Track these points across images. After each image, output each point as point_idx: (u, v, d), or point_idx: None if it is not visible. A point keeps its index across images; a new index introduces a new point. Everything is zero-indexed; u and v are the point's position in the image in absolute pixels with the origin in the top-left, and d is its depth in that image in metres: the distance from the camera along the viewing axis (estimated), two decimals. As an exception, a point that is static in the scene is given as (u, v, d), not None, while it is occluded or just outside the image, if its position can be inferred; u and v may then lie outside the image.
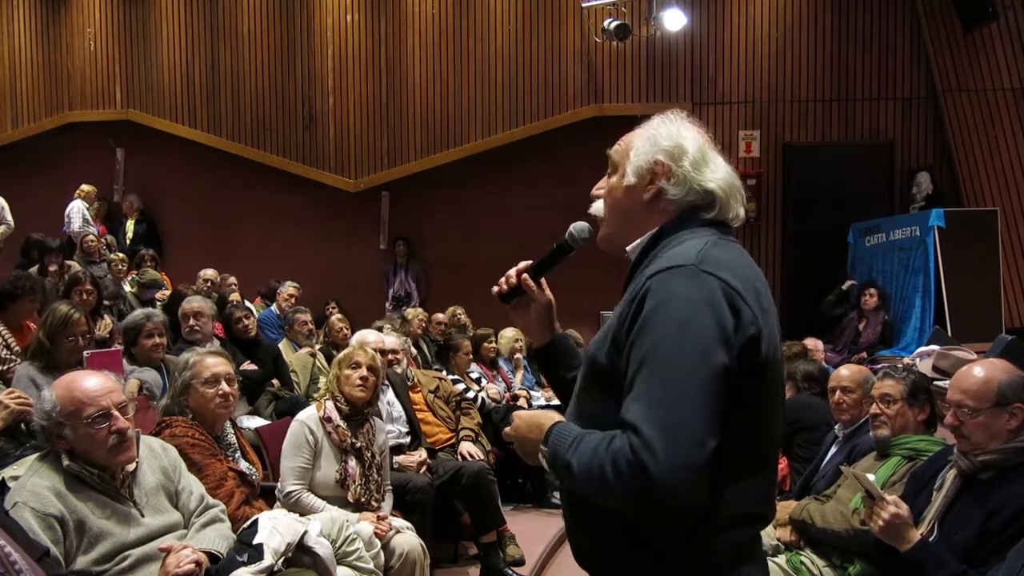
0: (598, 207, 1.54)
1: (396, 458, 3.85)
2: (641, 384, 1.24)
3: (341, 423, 3.26)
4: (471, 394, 5.07)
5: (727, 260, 1.33)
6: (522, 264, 1.66)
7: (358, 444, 3.25)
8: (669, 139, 1.43)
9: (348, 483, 3.19)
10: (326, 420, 3.25)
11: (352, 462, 3.23)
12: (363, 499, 3.20)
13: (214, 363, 2.90)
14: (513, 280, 1.65)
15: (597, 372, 1.39)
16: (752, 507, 1.33)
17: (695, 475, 1.18)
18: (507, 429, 1.46)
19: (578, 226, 1.60)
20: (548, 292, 1.69)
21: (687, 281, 1.27)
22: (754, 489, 1.32)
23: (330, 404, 3.30)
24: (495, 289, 1.66)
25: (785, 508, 2.96)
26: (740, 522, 1.32)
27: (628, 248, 1.47)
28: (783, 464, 3.82)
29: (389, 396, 4.13)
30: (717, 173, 1.43)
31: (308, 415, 3.29)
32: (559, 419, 1.40)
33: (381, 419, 4.03)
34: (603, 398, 1.35)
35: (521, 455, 1.44)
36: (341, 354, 3.49)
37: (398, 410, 4.11)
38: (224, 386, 2.86)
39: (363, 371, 3.32)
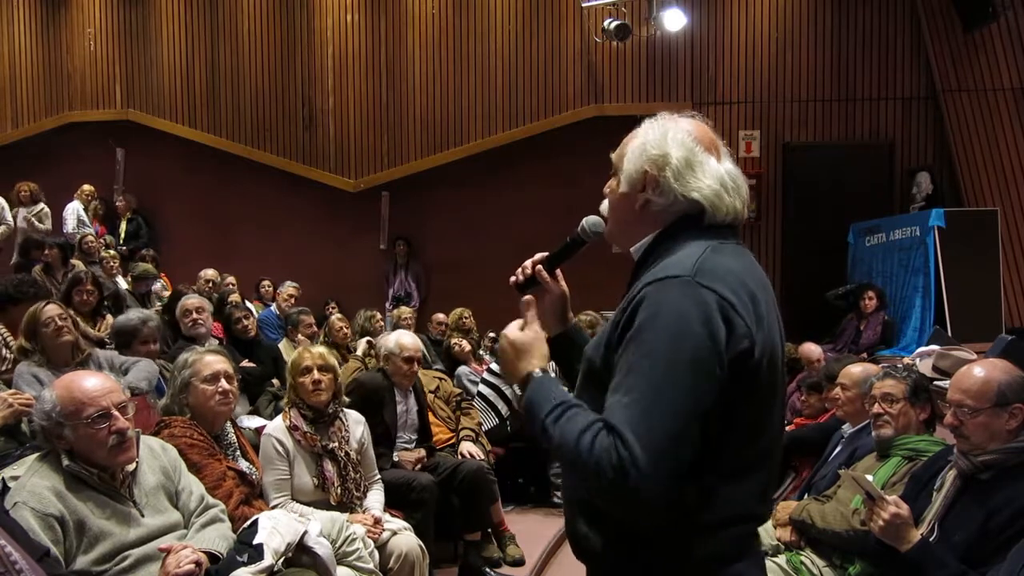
0: (605, 206, 1.56)
1: (397, 454, 3.85)
2: (631, 391, 1.25)
3: (308, 428, 3.23)
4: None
5: (724, 268, 1.32)
6: (538, 256, 1.68)
7: (330, 445, 3.23)
8: (656, 147, 1.42)
9: (327, 486, 3.18)
10: (292, 428, 3.22)
11: (328, 464, 3.21)
12: (344, 499, 3.20)
13: (213, 360, 2.91)
14: (529, 271, 1.68)
15: (591, 372, 1.42)
16: (748, 506, 1.35)
17: (668, 488, 1.21)
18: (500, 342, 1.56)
19: (590, 220, 1.62)
20: (563, 284, 1.71)
21: (681, 293, 1.27)
22: (750, 488, 1.34)
23: (294, 412, 3.27)
24: (512, 279, 1.70)
25: (785, 508, 2.97)
26: (736, 520, 1.34)
27: (632, 249, 1.49)
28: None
29: (410, 402, 4.13)
30: (705, 178, 1.40)
31: (275, 426, 3.27)
32: (542, 367, 1.45)
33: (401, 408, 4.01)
34: (597, 398, 1.35)
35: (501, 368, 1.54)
36: (290, 362, 3.43)
37: (412, 417, 4.11)
38: (224, 383, 2.86)
39: (314, 374, 3.28)
